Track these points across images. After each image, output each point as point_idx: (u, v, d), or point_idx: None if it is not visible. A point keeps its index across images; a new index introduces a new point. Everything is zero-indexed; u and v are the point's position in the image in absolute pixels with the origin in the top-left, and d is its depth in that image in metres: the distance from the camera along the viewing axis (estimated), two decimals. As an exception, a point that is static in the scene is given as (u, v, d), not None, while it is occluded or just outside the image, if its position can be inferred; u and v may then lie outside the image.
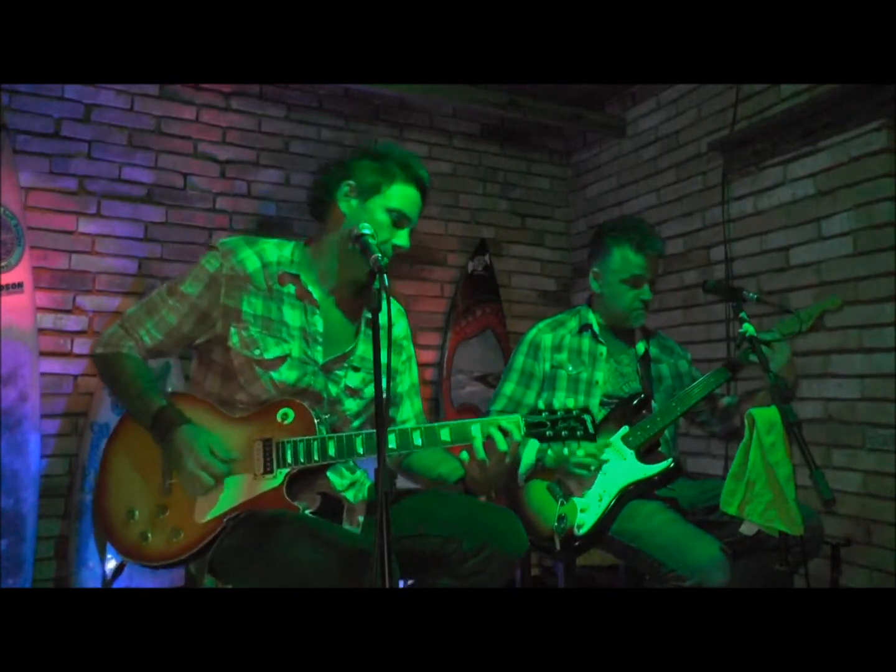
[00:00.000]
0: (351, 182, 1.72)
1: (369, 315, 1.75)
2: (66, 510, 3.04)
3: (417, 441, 1.63)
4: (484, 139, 4.07)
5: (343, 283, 1.77)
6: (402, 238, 1.73)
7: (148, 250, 3.28)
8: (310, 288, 1.73)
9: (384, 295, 1.41)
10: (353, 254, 1.67)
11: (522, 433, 1.65)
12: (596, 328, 2.35)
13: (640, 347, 2.37)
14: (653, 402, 2.29)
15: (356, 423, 1.80)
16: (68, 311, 3.13)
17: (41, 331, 2.99)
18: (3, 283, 2.80)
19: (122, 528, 1.63)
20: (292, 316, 1.71)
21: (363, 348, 1.78)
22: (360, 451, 1.62)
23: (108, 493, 1.67)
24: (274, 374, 1.66)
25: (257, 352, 1.66)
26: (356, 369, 1.77)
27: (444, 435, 1.64)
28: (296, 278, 1.73)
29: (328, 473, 1.73)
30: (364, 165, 1.73)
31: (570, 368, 2.31)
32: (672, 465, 2.14)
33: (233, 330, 1.67)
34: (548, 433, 1.67)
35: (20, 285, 2.84)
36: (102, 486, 1.68)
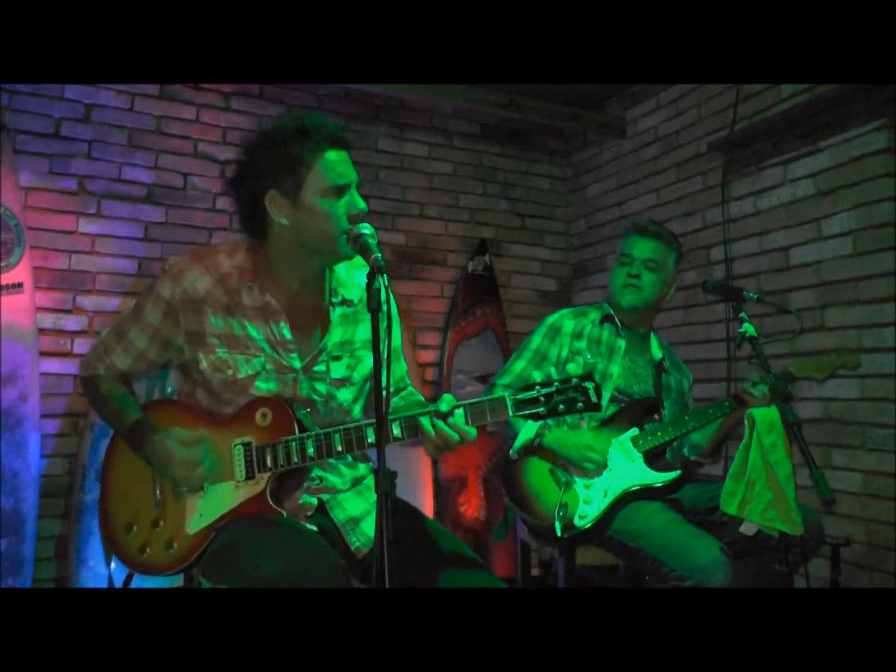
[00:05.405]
0: (271, 192, 1.54)
1: (336, 299, 1.68)
2: (66, 510, 3.04)
3: (396, 433, 1.54)
4: (484, 139, 4.07)
5: (302, 282, 1.65)
6: (357, 203, 1.56)
7: (148, 250, 3.28)
8: (268, 296, 1.62)
9: (386, 292, 1.37)
10: (308, 252, 1.58)
11: (510, 415, 1.49)
12: (617, 321, 2.37)
13: (657, 354, 2.39)
14: (663, 410, 2.31)
15: (357, 409, 1.74)
16: (68, 311, 3.13)
17: (41, 331, 2.99)
18: (3, 283, 2.80)
19: (124, 541, 1.64)
20: (256, 329, 1.62)
21: (338, 334, 1.69)
22: (339, 447, 1.55)
23: (109, 507, 1.68)
24: (253, 392, 1.62)
25: (230, 372, 1.61)
26: (337, 358, 1.68)
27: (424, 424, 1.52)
28: (252, 289, 1.62)
29: (328, 475, 1.71)
30: (273, 166, 1.54)
31: (588, 357, 2.32)
32: (678, 476, 2.15)
33: (200, 355, 1.62)
34: (541, 410, 1.47)
35: (20, 285, 2.84)
36: (104, 500, 1.69)
